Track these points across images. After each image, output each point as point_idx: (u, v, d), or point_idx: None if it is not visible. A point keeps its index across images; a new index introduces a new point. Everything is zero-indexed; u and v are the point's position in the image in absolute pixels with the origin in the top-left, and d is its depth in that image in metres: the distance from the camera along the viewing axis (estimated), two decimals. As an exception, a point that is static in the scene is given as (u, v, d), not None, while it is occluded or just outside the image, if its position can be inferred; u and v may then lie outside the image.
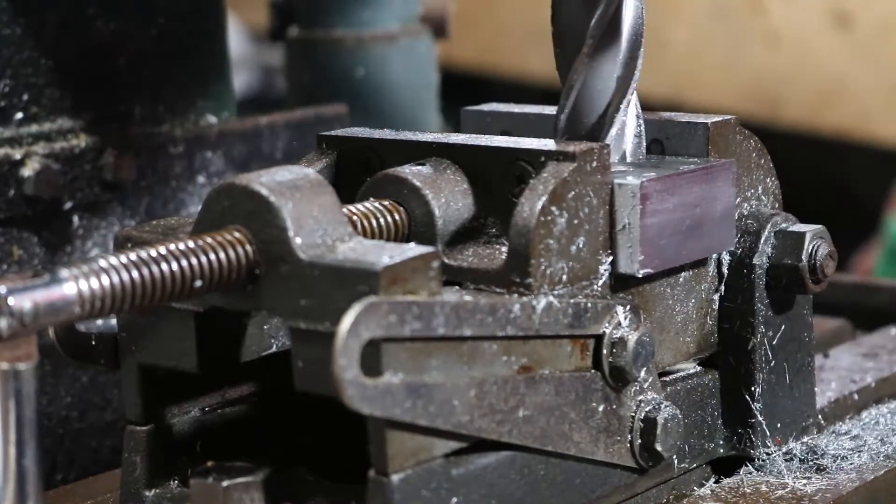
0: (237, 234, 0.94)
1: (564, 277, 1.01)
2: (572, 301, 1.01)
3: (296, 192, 0.95)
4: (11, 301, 0.84)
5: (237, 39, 3.12)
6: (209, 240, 0.93)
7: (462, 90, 3.43)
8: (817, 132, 3.29)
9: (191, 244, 0.92)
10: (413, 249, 0.93)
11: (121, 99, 1.42)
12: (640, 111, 1.11)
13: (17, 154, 1.33)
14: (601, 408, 1.04)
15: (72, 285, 0.87)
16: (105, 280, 0.88)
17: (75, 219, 1.38)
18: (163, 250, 0.91)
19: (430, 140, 1.08)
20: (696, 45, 3.27)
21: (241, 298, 0.96)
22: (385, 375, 0.91)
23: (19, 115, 1.35)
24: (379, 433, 0.92)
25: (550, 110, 1.19)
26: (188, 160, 1.46)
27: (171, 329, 1.00)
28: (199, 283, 0.92)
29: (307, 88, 1.76)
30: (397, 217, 1.03)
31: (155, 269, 0.90)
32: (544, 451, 1.01)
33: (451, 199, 1.04)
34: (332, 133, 1.12)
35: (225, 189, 0.96)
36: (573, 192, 1.01)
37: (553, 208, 1.00)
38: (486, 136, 1.09)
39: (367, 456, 0.95)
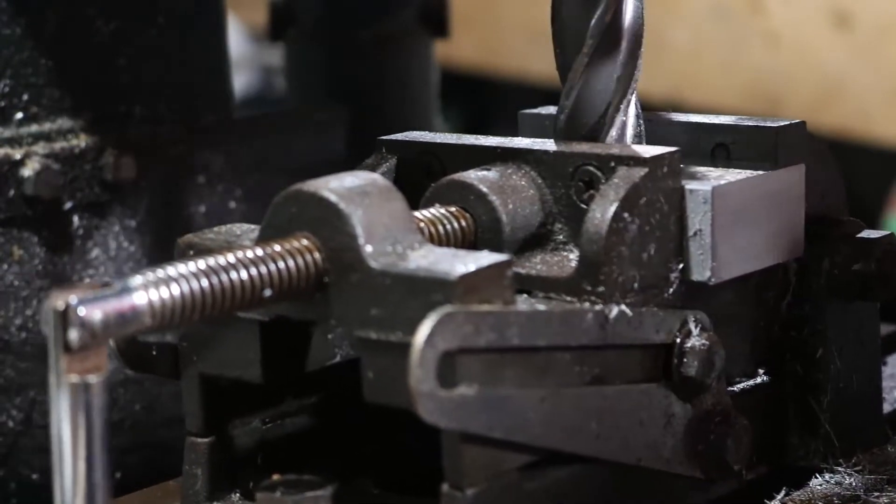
0: (305, 242, 0.92)
1: (636, 285, 0.99)
2: (643, 310, 0.99)
3: (365, 198, 0.93)
4: (82, 312, 0.81)
5: (237, 39, 3.10)
6: (278, 247, 0.91)
7: (462, 90, 3.46)
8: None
9: (260, 252, 0.90)
10: (487, 257, 0.91)
11: (121, 99, 1.41)
12: (640, 111, 1.09)
13: (17, 154, 1.32)
14: (671, 418, 1.01)
15: (142, 295, 0.84)
16: (175, 289, 0.85)
17: (75, 219, 1.37)
18: (232, 258, 0.89)
19: (493, 144, 1.06)
20: (696, 45, 3.26)
21: (309, 307, 0.93)
22: (460, 387, 0.89)
23: (19, 115, 1.34)
24: (453, 446, 0.90)
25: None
26: (188, 160, 1.45)
27: (234, 339, 0.97)
28: (268, 291, 0.89)
29: (307, 88, 1.74)
30: (464, 223, 1.01)
31: (225, 277, 0.88)
32: (616, 463, 0.99)
33: (517, 206, 1.02)
34: (392, 137, 1.10)
35: (292, 195, 0.93)
36: (645, 198, 0.99)
37: (625, 214, 0.98)
38: (551, 141, 1.06)
39: (433, 468, 0.93)
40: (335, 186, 0.93)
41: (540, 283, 0.99)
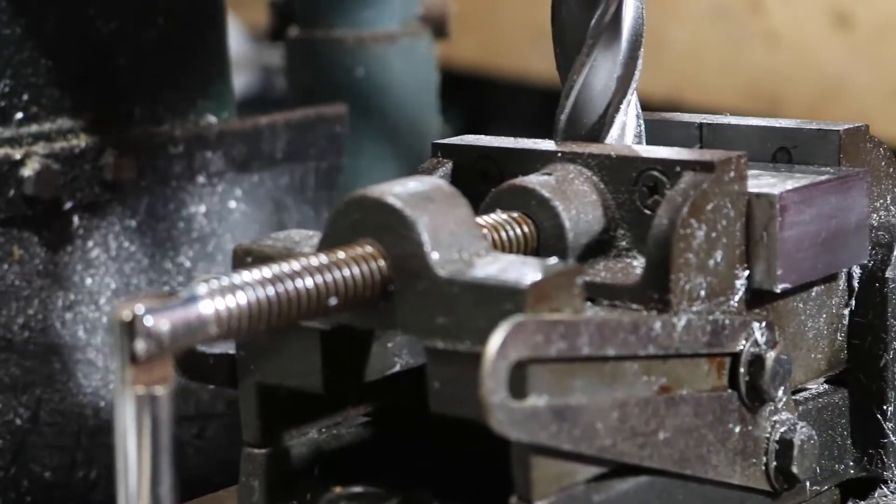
0: (370, 249, 0.90)
1: (702, 293, 0.97)
2: (710, 318, 0.97)
3: (430, 203, 0.91)
4: (149, 322, 0.79)
5: (237, 39, 3.10)
6: (342, 254, 0.89)
7: (462, 90, 3.44)
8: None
9: (325, 259, 0.88)
10: (557, 265, 0.89)
11: (121, 99, 1.41)
12: (640, 111, 1.08)
13: (17, 154, 1.32)
14: (737, 429, 0.99)
15: (208, 304, 0.82)
16: (242, 298, 0.83)
17: (75, 219, 1.37)
18: (297, 266, 0.86)
19: (553, 149, 1.03)
20: (696, 45, 3.24)
21: (373, 316, 0.91)
22: (530, 398, 0.87)
23: (19, 115, 1.34)
24: (523, 458, 0.88)
25: (669, 117, 1.14)
26: (188, 160, 1.44)
27: (294, 348, 0.95)
28: (333, 300, 0.87)
29: (307, 88, 1.73)
30: (526, 230, 0.99)
31: (291, 285, 0.85)
32: (682, 475, 0.96)
33: (580, 211, 1.00)
34: (448, 141, 1.07)
35: (355, 201, 0.91)
36: (712, 204, 0.97)
37: (692, 221, 0.95)
38: (612, 145, 1.04)
39: (496, 480, 0.91)
40: (400, 192, 0.91)
41: (604, 291, 0.96)
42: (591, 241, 1.01)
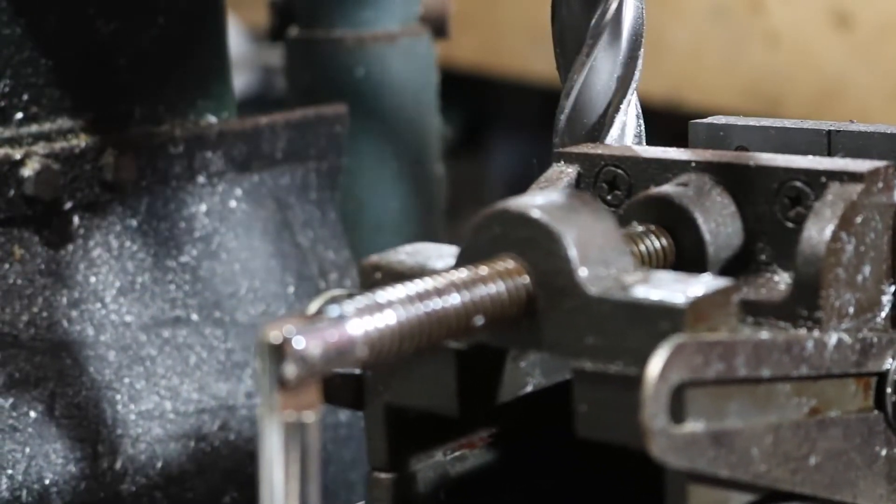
0: (513, 265, 0.85)
1: (851, 310, 0.92)
2: (859, 336, 0.92)
3: (576, 217, 0.86)
4: (300, 344, 0.74)
5: (237, 39, 3.07)
6: (487, 270, 0.84)
7: (462, 90, 3.40)
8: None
9: (469, 275, 0.83)
10: (713, 282, 0.84)
11: (121, 99, 1.40)
12: (640, 111, 1.06)
13: (17, 154, 1.31)
14: (883, 452, 0.95)
15: (357, 324, 0.77)
16: (390, 317, 0.78)
17: (75, 219, 1.36)
18: (441, 282, 0.82)
19: (687, 158, 0.99)
20: (696, 45, 3.21)
21: (513, 335, 0.86)
22: (688, 423, 0.82)
23: (19, 115, 1.33)
24: (679, 486, 0.83)
25: (791, 123, 1.10)
26: (188, 160, 1.44)
27: (427, 368, 0.90)
28: (480, 319, 0.83)
29: (307, 88, 1.71)
30: (665, 242, 0.94)
31: (438, 303, 0.81)
32: (832, 501, 0.92)
33: (720, 223, 0.95)
34: (572, 149, 1.03)
35: (496, 215, 0.86)
36: (861, 217, 0.92)
37: (842, 234, 0.91)
38: (749, 154, 1.00)
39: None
40: (544, 204, 0.86)
41: (749, 308, 0.92)
42: (731, 254, 0.96)
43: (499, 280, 0.84)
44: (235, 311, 1.45)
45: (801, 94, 3.11)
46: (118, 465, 1.35)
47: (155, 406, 1.38)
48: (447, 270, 0.84)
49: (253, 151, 1.49)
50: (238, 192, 1.48)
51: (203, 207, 1.45)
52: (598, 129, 1.04)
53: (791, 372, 0.88)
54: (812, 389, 0.90)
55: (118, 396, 1.37)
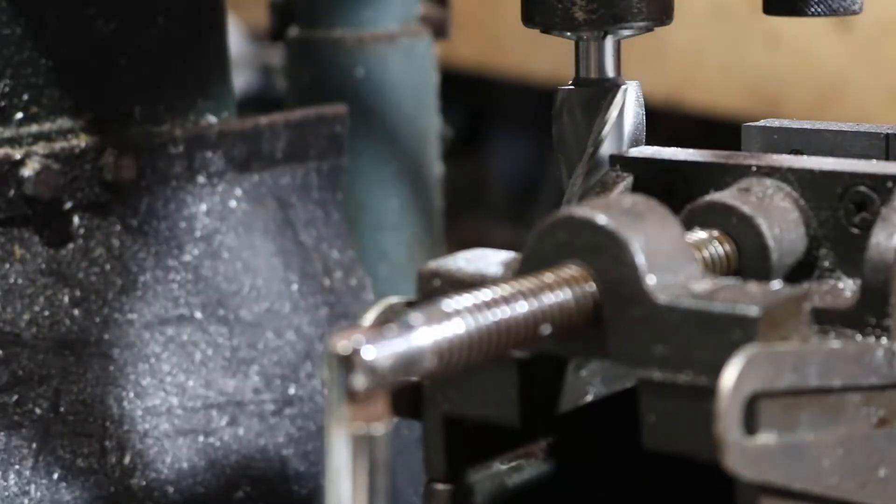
0: (579, 272, 0.83)
1: (920, 318, 0.90)
2: (927, 344, 0.90)
3: (643, 223, 0.84)
4: (370, 355, 0.72)
5: (237, 39, 3.06)
6: (553, 278, 0.82)
7: (462, 90, 3.39)
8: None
9: (535, 283, 0.81)
10: (784, 290, 0.82)
11: (121, 99, 1.39)
12: (643, 109, 1.06)
13: (17, 154, 1.30)
14: (950, 463, 0.93)
15: (425, 334, 0.75)
16: (459, 326, 0.76)
17: (75, 219, 1.34)
18: (508, 290, 0.80)
19: (748, 163, 0.97)
20: (696, 45, 3.20)
21: (578, 344, 0.84)
22: (761, 434, 0.80)
23: (19, 115, 1.32)
24: (751, 500, 0.81)
25: (848, 126, 1.08)
26: (188, 160, 1.42)
27: (488, 377, 0.88)
28: (547, 327, 0.81)
29: (307, 88, 1.69)
30: (729, 249, 0.92)
31: (506, 311, 0.78)
32: (899, 514, 0.90)
33: (783, 229, 0.93)
34: (630, 154, 1.01)
35: (561, 221, 0.84)
36: (929, 222, 0.90)
37: (911, 240, 0.89)
38: (813, 158, 0.98)
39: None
40: (609, 210, 0.84)
41: (815, 315, 0.90)
42: (795, 261, 0.94)
43: (565, 288, 0.82)
44: (239, 309, 1.44)
45: (801, 94, 3.10)
46: (126, 460, 1.34)
47: (161, 402, 1.37)
48: (512, 278, 0.82)
49: (253, 151, 1.48)
50: (238, 191, 1.46)
51: (203, 207, 1.43)
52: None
53: (861, 381, 0.86)
54: (880, 399, 0.88)
55: (123, 393, 1.36)
